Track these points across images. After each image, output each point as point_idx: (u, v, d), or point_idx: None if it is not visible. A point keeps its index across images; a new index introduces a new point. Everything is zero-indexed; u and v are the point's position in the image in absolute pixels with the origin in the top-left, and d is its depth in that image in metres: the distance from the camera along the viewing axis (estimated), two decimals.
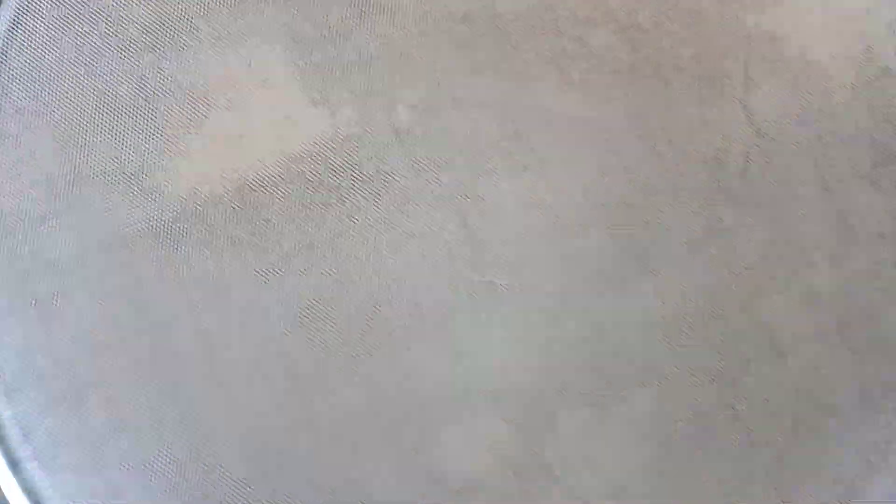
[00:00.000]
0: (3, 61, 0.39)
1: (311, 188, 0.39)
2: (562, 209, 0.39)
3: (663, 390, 0.39)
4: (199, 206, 0.39)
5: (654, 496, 0.38)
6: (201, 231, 0.39)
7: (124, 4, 0.39)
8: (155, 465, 0.38)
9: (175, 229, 0.39)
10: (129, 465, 0.38)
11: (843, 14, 0.40)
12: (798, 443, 0.38)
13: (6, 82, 0.39)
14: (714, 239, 0.39)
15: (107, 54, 0.39)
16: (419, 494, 0.38)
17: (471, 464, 0.38)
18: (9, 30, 0.39)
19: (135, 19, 0.39)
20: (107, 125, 0.39)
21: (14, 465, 0.38)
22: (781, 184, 0.39)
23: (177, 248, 0.39)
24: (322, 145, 0.39)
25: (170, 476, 0.38)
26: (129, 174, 0.39)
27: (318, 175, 0.39)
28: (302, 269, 0.39)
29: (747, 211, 0.39)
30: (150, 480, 0.38)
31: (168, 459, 0.38)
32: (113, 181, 0.39)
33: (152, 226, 0.39)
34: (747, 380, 0.39)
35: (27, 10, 0.39)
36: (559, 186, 0.39)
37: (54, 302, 0.38)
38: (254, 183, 0.39)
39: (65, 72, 0.39)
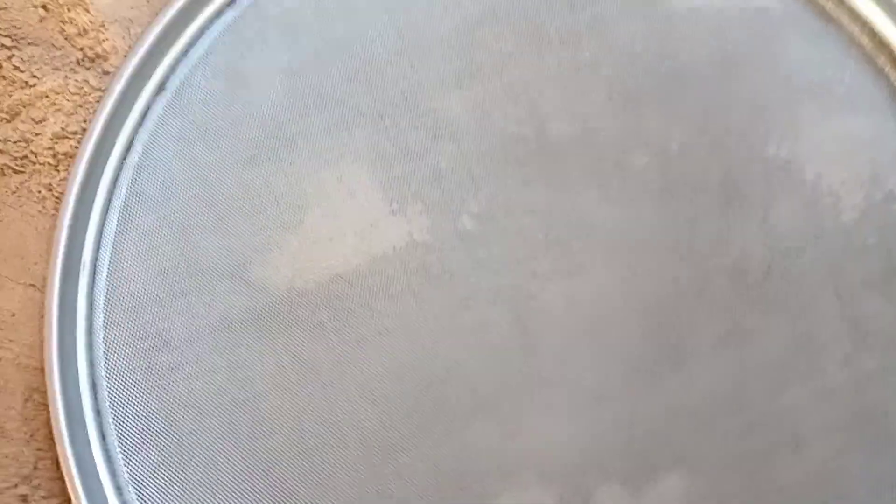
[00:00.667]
0: (139, 173, 0.48)
1: (388, 283, 0.46)
2: (601, 309, 0.45)
3: (691, 474, 0.43)
4: (294, 296, 0.46)
5: None
6: (295, 318, 0.46)
7: (237, 124, 0.48)
8: None
9: (272, 316, 0.46)
10: None
11: (853, 145, 0.46)
12: None
13: (141, 188, 0.47)
14: (737, 338, 0.44)
15: (220, 167, 0.47)
16: None
17: None
18: (146, 146, 0.48)
19: (245, 138, 0.47)
20: (218, 226, 0.47)
21: None
22: (798, 292, 0.45)
23: (273, 332, 0.46)
24: (399, 248, 0.46)
25: None
26: (235, 268, 0.46)
27: (395, 272, 0.46)
28: (376, 353, 0.45)
29: (767, 315, 0.44)
30: None
31: None
32: (222, 274, 0.46)
33: (253, 312, 0.46)
34: (770, 466, 0.43)
35: (160, 129, 0.48)
36: (599, 289, 0.45)
37: (170, 373, 0.45)
38: (341, 278, 0.46)
39: (186, 181, 0.47)
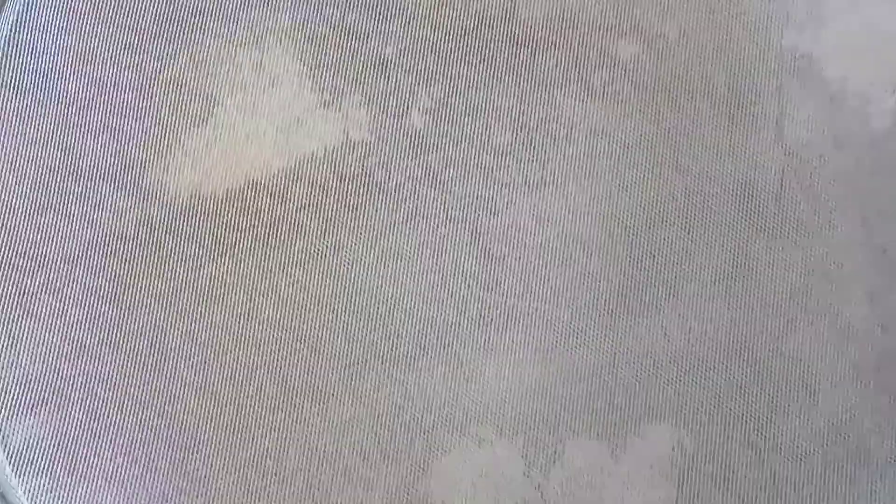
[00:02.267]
0: (9, 53, 0.38)
1: (318, 194, 0.37)
2: (579, 228, 0.37)
3: (682, 427, 0.36)
4: (199, 206, 0.37)
5: None
6: (199, 232, 0.37)
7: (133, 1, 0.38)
8: (133, 473, 0.36)
9: (171, 229, 0.37)
10: (106, 472, 0.36)
11: (885, 38, 0.38)
12: (827, 491, 0.35)
13: (11, 72, 0.38)
14: (742, 269, 0.37)
15: (110, 48, 0.38)
16: None
17: (469, 494, 0.36)
18: (14, 25, 0.38)
19: (141, 12, 0.38)
20: (107, 121, 0.37)
21: None
22: (816, 213, 0.37)
23: (172, 249, 0.37)
24: (332, 149, 0.37)
25: (150, 487, 0.36)
26: (127, 171, 0.37)
27: (326, 179, 0.37)
28: (304, 280, 0.37)
29: (777, 241, 0.37)
30: (128, 489, 0.36)
31: (149, 468, 0.36)
32: (110, 178, 0.37)
33: (148, 225, 0.37)
34: (775, 420, 0.36)
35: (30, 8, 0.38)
36: (576, 204, 0.37)
37: (41, 297, 0.36)
38: (258, 185, 0.37)
39: (68, 63, 0.38)
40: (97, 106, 0.37)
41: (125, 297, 0.37)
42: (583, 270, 0.37)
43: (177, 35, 0.38)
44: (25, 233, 0.37)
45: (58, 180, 0.37)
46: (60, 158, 0.37)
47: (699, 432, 0.36)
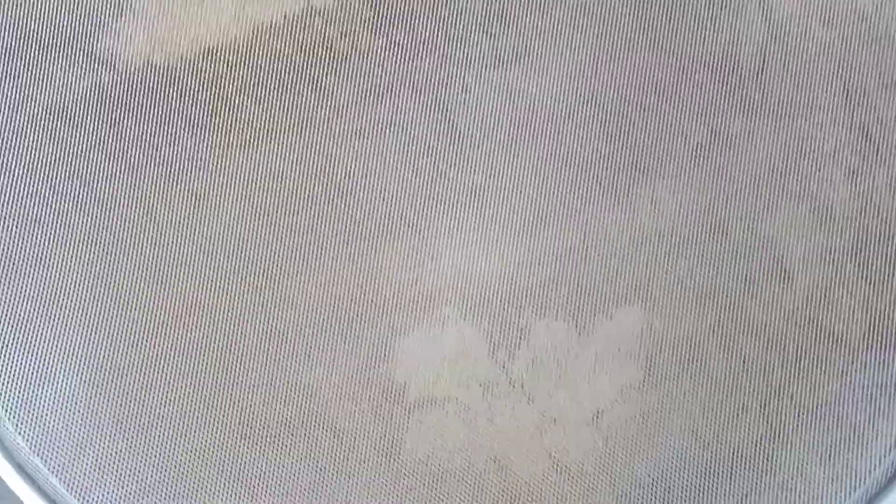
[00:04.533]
0: None
1: (277, 65, 0.35)
2: (551, 103, 0.35)
3: (652, 309, 0.35)
4: (152, 76, 0.35)
5: (633, 424, 0.34)
6: (151, 104, 0.35)
7: None
8: (83, 350, 0.35)
9: (121, 100, 0.35)
10: (57, 346, 0.34)
11: None
12: (799, 375, 0.34)
13: None
14: (720, 146, 0.35)
15: None
16: (374, 406, 0.35)
17: (433, 375, 0.35)
18: None
19: None
20: None
21: None
22: (799, 89, 0.35)
23: (123, 122, 0.35)
24: (294, 16, 0.35)
25: (95, 361, 0.35)
26: (74, 37, 0.35)
27: (287, 49, 0.35)
28: (264, 157, 0.35)
29: (759, 117, 0.35)
30: (76, 362, 0.35)
31: (99, 340, 0.35)
32: (54, 45, 0.35)
33: (96, 96, 0.35)
34: (747, 302, 0.35)
35: None
36: (550, 78, 0.35)
37: None
38: (214, 54, 0.35)
39: None
40: None
41: (72, 179, 0.35)
42: (554, 149, 0.35)
43: None
44: None
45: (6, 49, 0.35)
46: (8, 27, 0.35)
47: (669, 315, 0.35)
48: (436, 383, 0.35)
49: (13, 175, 0.35)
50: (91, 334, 0.35)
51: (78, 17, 0.35)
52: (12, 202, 0.35)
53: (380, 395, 0.34)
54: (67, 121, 0.35)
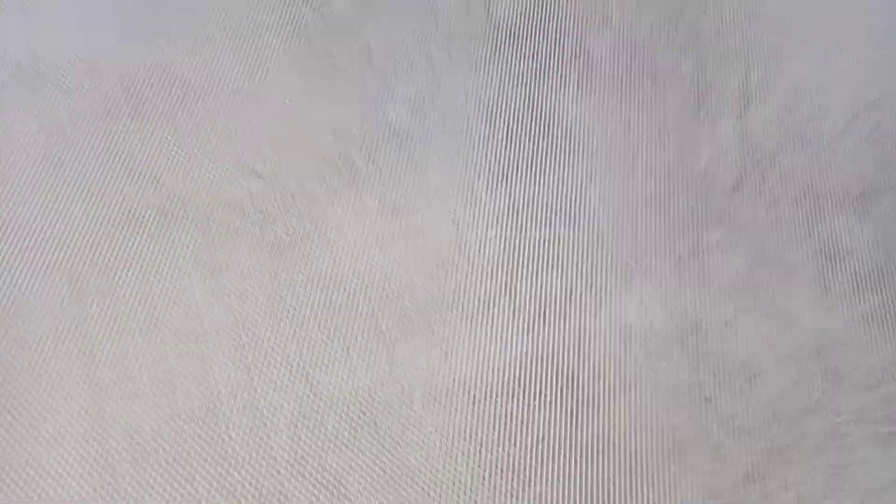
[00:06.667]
0: None
1: (307, 181, 0.40)
2: (550, 213, 0.40)
3: (637, 406, 0.39)
4: None
5: None
6: None
7: None
8: None
9: None
10: None
11: (840, 44, 0.40)
12: (766, 463, 0.39)
13: None
14: (699, 257, 0.40)
15: None
16: None
17: None
18: None
19: None
20: None
21: None
22: (770, 205, 0.40)
23: None
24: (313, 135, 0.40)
25: None
26: None
27: (316, 169, 0.40)
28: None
29: (733, 231, 0.40)
30: None
31: None
32: None
33: None
34: (721, 398, 0.39)
35: None
36: (549, 192, 0.40)
37: None
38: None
39: None
40: None
41: None
42: (550, 254, 0.40)
43: None
44: None
45: None
46: None
47: (653, 407, 0.39)
48: None
49: None
50: None
51: None
52: None
53: None
54: None
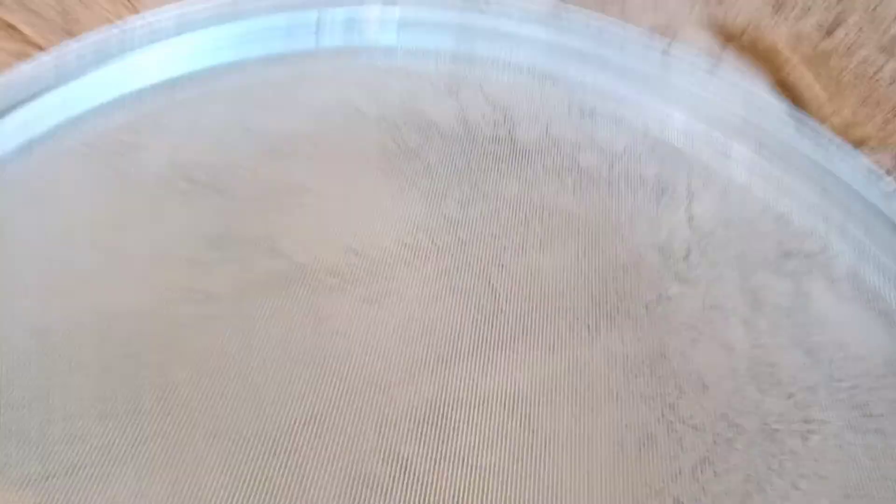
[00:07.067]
0: None
1: (388, 255, 0.58)
2: (557, 277, 0.57)
3: (620, 409, 0.55)
4: None
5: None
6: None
7: None
8: None
9: None
10: None
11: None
12: (716, 452, 0.53)
13: None
14: (663, 303, 0.56)
15: None
16: None
17: None
18: None
19: None
20: None
21: None
22: (711, 267, 0.56)
23: None
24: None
25: None
26: None
27: (394, 248, 0.58)
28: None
29: (687, 285, 0.56)
30: None
31: None
32: None
33: None
34: (680, 403, 0.54)
35: None
36: (555, 261, 0.57)
37: None
38: None
39: None
40: None
41: None
42: (559, 304, 0.56)
43: None
44: None
45: None
46: None
47: (631, 412, 0.55)
48: None
49: None
50: None
51: None
52: None
53: None
54: None
